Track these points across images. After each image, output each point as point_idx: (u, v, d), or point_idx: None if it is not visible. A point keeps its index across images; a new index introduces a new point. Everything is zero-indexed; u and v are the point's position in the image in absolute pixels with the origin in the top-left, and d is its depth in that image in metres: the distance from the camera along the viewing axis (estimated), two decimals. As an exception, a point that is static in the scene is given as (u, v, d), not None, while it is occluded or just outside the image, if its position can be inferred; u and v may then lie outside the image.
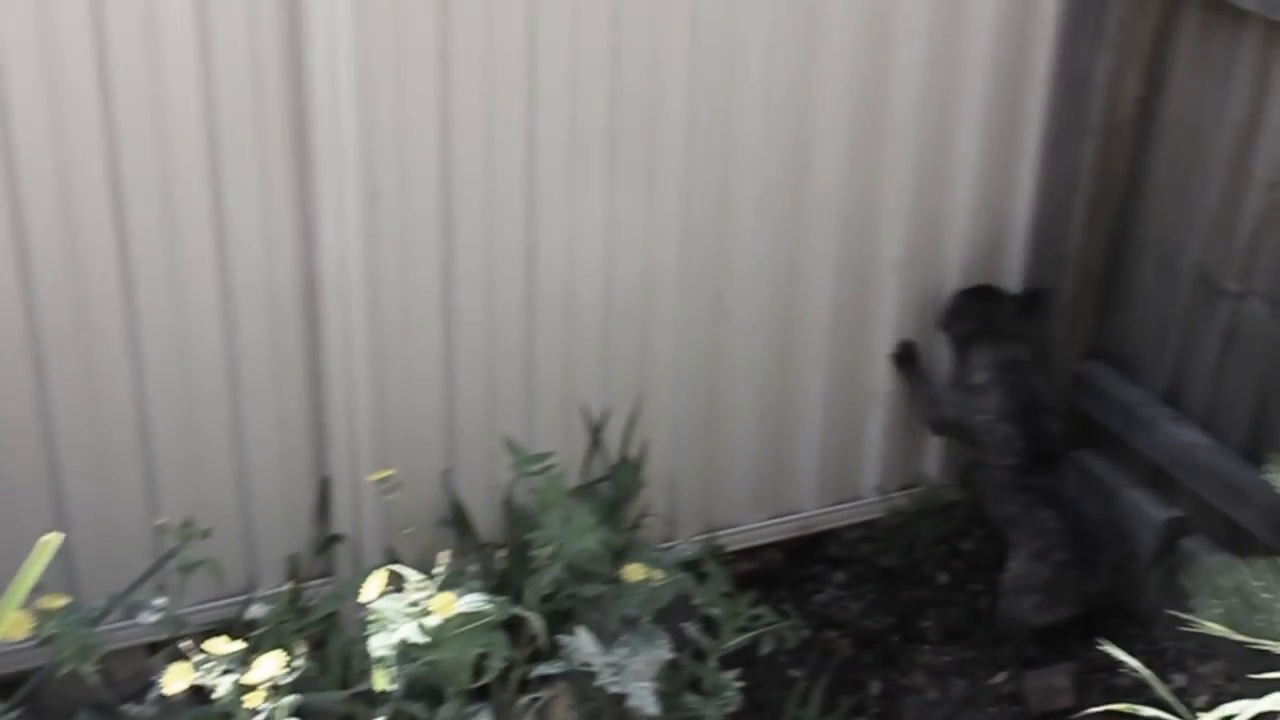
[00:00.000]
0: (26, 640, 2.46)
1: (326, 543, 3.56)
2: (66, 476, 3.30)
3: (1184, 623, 2.82)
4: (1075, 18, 3.86)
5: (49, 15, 2.94)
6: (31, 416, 3.22)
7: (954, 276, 4.06)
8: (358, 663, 2.98)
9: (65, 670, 2.49)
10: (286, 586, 2.99)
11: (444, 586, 2.60)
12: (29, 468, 3.26)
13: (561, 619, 3.24)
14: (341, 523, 3.55)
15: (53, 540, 1.82)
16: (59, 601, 2.44)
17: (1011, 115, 3.94)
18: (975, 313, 4.03)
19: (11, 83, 2.96)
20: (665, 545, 3.80)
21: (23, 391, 3.19)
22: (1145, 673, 3.07)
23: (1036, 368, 4.02)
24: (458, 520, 3.67)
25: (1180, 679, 3.76)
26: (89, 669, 2.47)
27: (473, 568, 2.95)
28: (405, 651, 2.53)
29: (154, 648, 3.21)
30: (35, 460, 3.26)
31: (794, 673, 3.84)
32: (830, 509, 4.21)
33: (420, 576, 2.52)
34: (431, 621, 2.49)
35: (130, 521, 3.36)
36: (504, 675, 3.01)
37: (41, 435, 3.25)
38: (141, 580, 2.92)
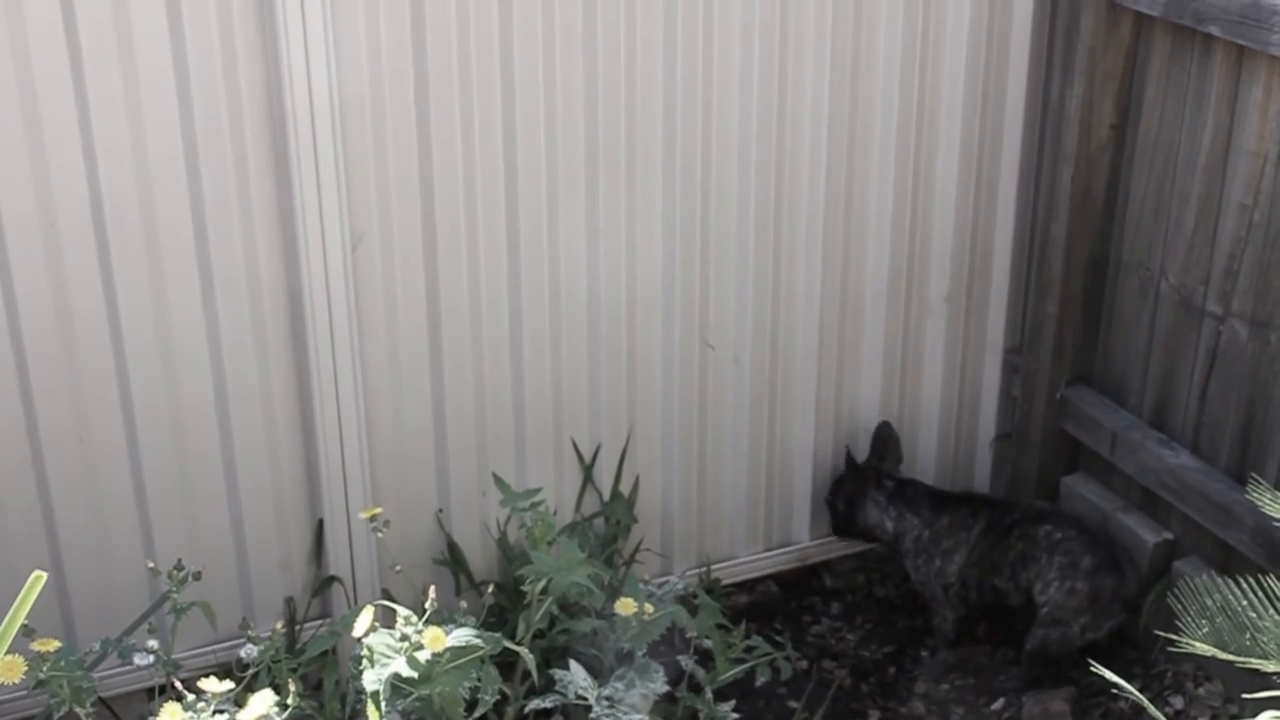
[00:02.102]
0: (23, 686, 2.48)
1: (322, 585, 3.59)
2: (61, 525, 3.33)
3: (1175, 644, 2.83)
4: (1047, 49, 3.94)
5: (35, 105, 3.00)
6: (24, 465, 3.25)
7: (938, 304, 4.10)
8: (353, 700, 3.00)
9: (61, 714, 2.51)
10: (279, 625, 3.00)
11: (436, 622, 2.62)
12: (23, 516, 3.29)
13: (559, 654, 3.26)
14: (336, 565, 3.57)
15: (39, 579, 1.84)
16: (52, 645, 2.46)
17: (989, 145, 3.99)
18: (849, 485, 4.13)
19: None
20: (660, 580, 3.81)
21: (15, 441, 3.22)
22: (1139, 697, 3.08)
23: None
24: (453, 559, 3.70)
25: (1178, 701, 3.77)
26: (84, 712, 2.49)
27: (464, 604, 2.97)
28: (397, 686, 2.55)
29: (153, 693, 3.23)
30: (29, 509, 3.29)
31: (792, 704, 3.85)
32: (824, 540, 4.23)
33: (409, 612, 2.54)
34: (422, 656, 2.51)
35: (126, 568, 3.38)
36: (499, 710, 3.03)
37: (36, 483, 3.28)
38: (137, 624, 2.94)
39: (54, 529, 3.33)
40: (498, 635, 2.72)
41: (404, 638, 2.52)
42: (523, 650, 2.83)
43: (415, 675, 2.51)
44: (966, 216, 4.05)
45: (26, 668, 2.39)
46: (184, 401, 3.35)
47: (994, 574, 3.91)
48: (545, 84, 3.42)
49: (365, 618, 2.52)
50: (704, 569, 4.05)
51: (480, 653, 2.60)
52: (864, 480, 4.07)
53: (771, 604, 4.23)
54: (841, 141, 3.80)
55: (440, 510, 3.69)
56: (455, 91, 3.33)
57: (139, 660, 2.75)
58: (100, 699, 3.15)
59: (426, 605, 2.53)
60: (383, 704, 2.49)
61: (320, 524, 3.55)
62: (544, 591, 2.97)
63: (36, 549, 3.31)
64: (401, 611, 2.54)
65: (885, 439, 4.12)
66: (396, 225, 3.38)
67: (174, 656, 2.96)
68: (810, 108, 3.73)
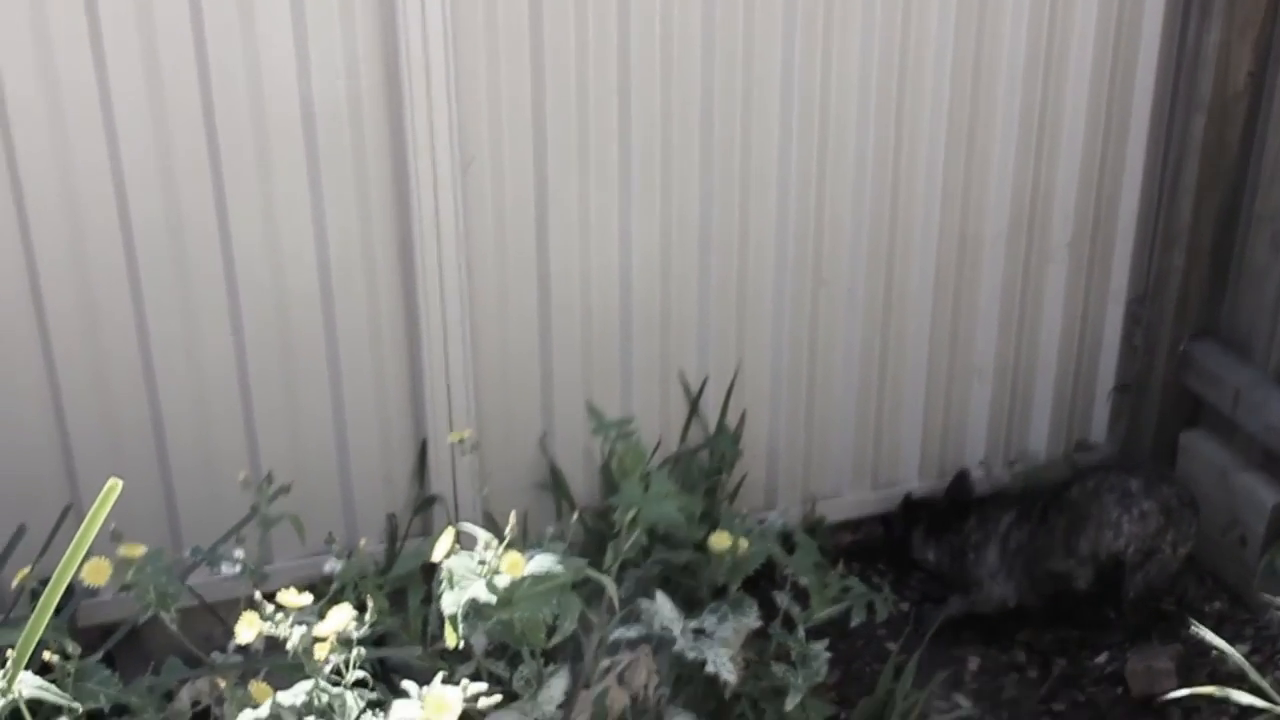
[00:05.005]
0: (108, 591, 2.53)
1: (423, 503, 3.62)
2: (170, 440, 3.40)
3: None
4: (1186, -9, 3.81)
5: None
6: (136, 377, 3.32)
7: (1060, 249, 4.01)
8: (436, 621, 3.03)
9: (148, 616, 2.56)
10: (362, 543, 3.03)
11: (523, 548, 2.62)
12: (135, 429, 3.36)
13: (656, 585, 3.26)
14: (438, 484, 3.60)
15: (114, 487, 1.88)
16: (138, 550, 2.50)
17: (1121, 88, 3.88)
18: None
19: (115, 67, 3.05)
20: (763, 515, 3.80)
21: (128, 352, 3.29)
22: (1241, 659, 3.01)
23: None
24: (554, 484, 3.72)
25: (1290, 666, 3.70)
26: (169, 617, 2.54)
27: (551, 530, 2.97)
28: (477, 609, 2.56)
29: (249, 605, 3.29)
30: (140, 422, 3.36)
31: (890, 646, 3.83)
32: (932, 482, 4.18)
33: (490, 536, 2.54)
34: (501, 581, 2.51)
35: (233, 482, 3.41)
36: (587, 637, 3.04)
37: (147, 397, 3.34)
38: (230, 534, 2.99)
39: (164, 443, 3.40)
40: (582, 562, 2.71)
41: (483, 562, 2.53)
42: (606, 579, 2.82)
43: (493, 600, 2.52)
44: (1094, 161, 3.95)
45: (115, 572, 2.44)
46: (292, 319, 3.39)
47: (1046, 559, 3.84)
48: (662, 7, 3.38)
49: (445, 541, 2.53)
50: (808, 506, 4.02)
51: (561, 580, 2.60)
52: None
53: (875, 544, 4.20)
54: (966, 78, 3.72)
55: (544, 435, 3.71)
56: (570, 16, 3.31)
57: (225, 569, 2.80)
58: (206, 604, 3.22)
59: (507, 532, 2.53)
60: (460, 626, 2.51)
61: (424, 444, 3.59)
62: (634, 522, 2.96)
63: (147, 462, 3.39)
64: (482, 536, 2.54)
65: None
66: (508, 149, 3.38)
67: (275, 569, 3.01)
68: (935, 41, 3.66)
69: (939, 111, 3.73)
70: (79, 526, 2.01)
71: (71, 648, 2.34)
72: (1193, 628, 3.29)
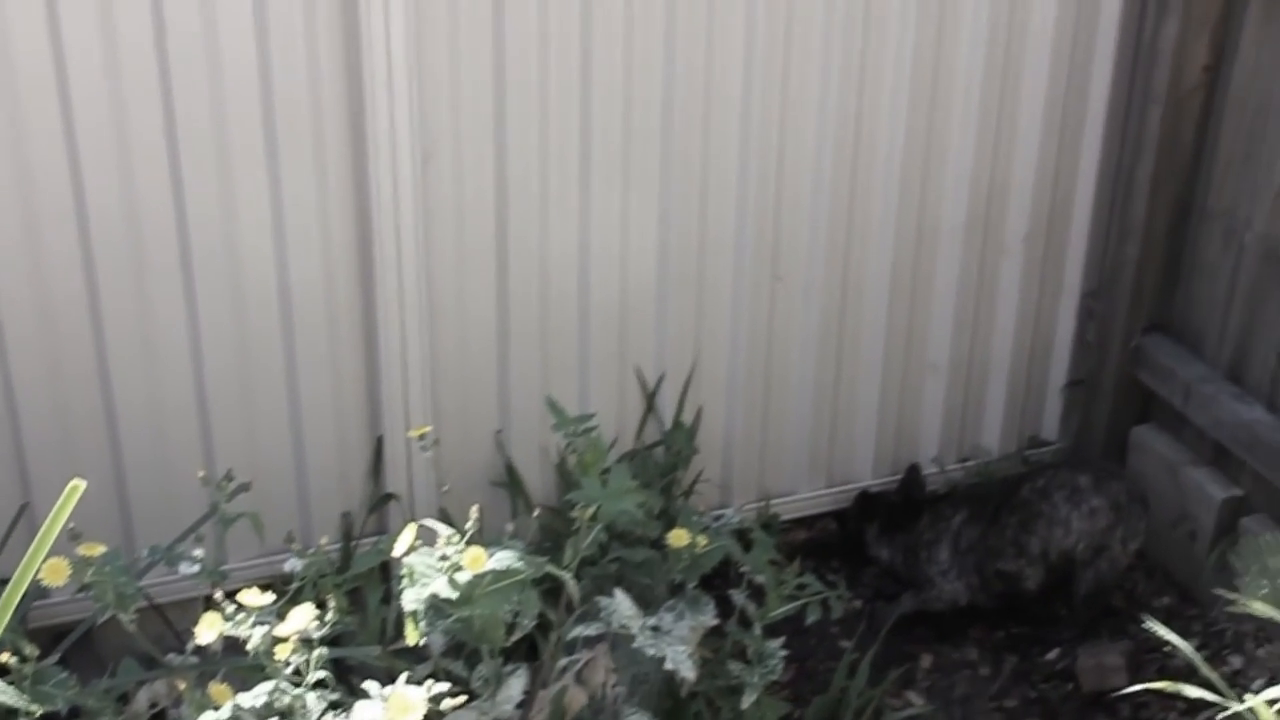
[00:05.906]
0: (66, 591, 2.50)
1: (379, 501, 3.59)
2: (124, 435, 3.34)
3: (1235, 602, 2.78)
4: (1143, -16, 3.82)
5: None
6: (89, 369, 3.26)
7: (1016, 244, 4.02)
8: (396, 619, 3.00)
9: (105, 618, 2.53)
10: (323, 541, 3.00)
11: (484, 544, 2.61)
12: (87, 423, 3.30)
13: (612, 582, 3.25)
14: (394, 482, 3.57)
15: (76, 488, 1.84)
16: (97, 550, 2.46)
17: (1077, 82, 3.90)
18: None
19: (71, 60, 3.00)
20: (718, 512, 3.78)
21: (82, 344, 3.23)
22: (1192, 653, 3.02)
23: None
24: (510, 481, 3.69)
25: (1237, 661, 3.72)
26: (127, 618, 2.50)
27: (510, 527, 2.95)
28: (437, 606, 2.54)
29: (207, 604, 3.25)
30: (93, 415, 3.30)
31: (844, 643, 3.82)
32: (887, 479, 4.18)
33: (451, 532, 2.52)
34: (462, 577, 2.49)
35: (188, 479, 3.35)
36: (543, 636, 3.02)
37: (100, 390, 3.28)
38: (188, 532, 2.96)
39: (118, 440, 3.35)
40: (542, 560, 2.70)
41: (444, 558, 2.51)
42: (566, 576, 2.81)
43: (455, 596, 2.50)
44: (1050, 155, 3.96)
45: (72, 571, 2.40)
46: (249, 314, 3.35)
47: (996, 559, 3.84)
48: (624, 5, 3.37)
49: (406, 537, 2.51)
50: (763, 503, 4.02)
51: (522, 576, 2.58)
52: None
53: (829, 541, 4.20)
54: (925, 73, 3.72)
55: (499, 432, 3.68)
56: (532, 10, 3.29)
57: (184, 569, 2.77)
58: (155, 606, 3.18)
59: (467, 526, 2.52)
60: (421, 623, 2.49)
61: (380, 441, 3.55)
62: (593, 518, 2.94)
63: (100, 460, 3.32)
64: (443, 531, 2.53)
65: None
66: (467, 143, 3.35)
67: (230, 568, 2.97)
68: (895, 38, 3.65)
69: (897, 105, 3.73)
70: (31, 527, 1.97)
71: (28, 649, 2.30)
72: (1145, 623, 3.30)
